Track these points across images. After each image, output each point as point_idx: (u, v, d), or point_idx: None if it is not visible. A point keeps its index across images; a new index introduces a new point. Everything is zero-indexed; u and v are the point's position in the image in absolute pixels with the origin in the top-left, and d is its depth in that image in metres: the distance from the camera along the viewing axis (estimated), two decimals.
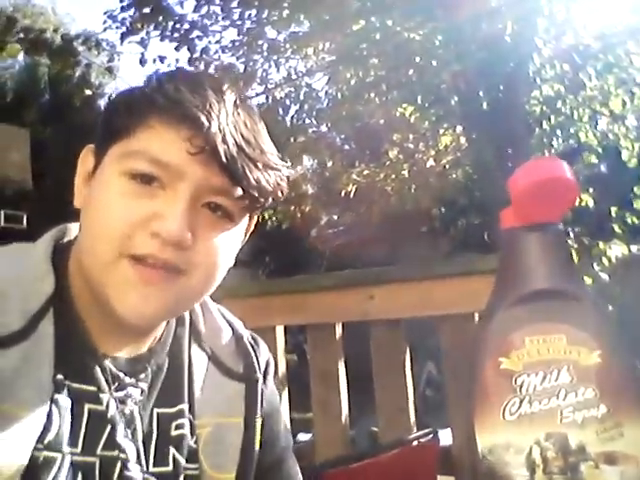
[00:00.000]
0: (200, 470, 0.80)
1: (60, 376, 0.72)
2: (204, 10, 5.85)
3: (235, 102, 0.77)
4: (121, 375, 0.77)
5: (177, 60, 5.89)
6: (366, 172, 6.92)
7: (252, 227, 0.88)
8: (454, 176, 6.76)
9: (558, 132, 5.72)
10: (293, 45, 6.30)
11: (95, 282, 0.73)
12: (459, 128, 6.14)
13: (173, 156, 0.72)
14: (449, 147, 6.59)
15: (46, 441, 0.69)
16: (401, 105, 6.26)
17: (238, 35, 6.04)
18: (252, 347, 0.88)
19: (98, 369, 0.75)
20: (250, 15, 5.79)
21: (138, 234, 0.71)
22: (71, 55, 6.31)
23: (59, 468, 0.69)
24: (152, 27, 5.85)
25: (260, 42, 6.15)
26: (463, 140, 6.11)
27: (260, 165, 0.76)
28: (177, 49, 5.80)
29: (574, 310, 0.52)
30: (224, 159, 0.72)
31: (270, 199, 0.79)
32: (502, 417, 0.50)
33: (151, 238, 0.71)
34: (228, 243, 0.78)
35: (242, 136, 0.75)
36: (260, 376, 0.86)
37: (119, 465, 0.74)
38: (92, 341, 0.77)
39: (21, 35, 6.44)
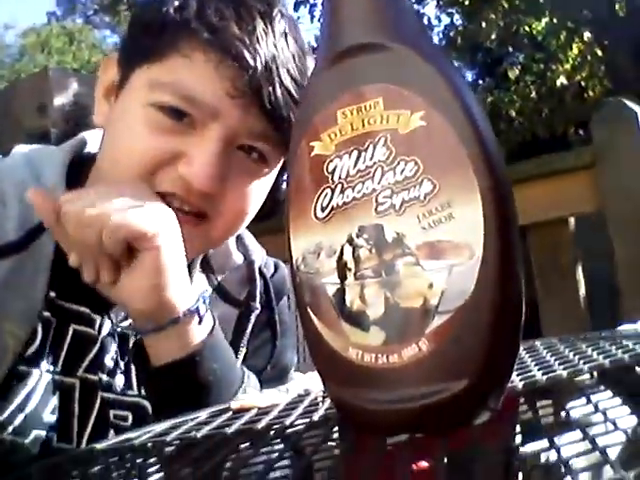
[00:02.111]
0: None
1: (52, 294, 0.70)
2: None
3: (285, 31, 0.68)
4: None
5: None
6: (489, 99, 6.08)
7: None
8: (591, 94, 5.63)
9: None
10: None
11: None
12: (587, 35, 5.15)
13: (209, 95, 0.65)
14: (580, 59, 5.52)
15: (27, 355, 0.68)
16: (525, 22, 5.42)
17: None
18: (262, 275, 0.82)
19: (94, 292, 0.71)
20: None
21: (162, 172, 0.67)
22: None
23: (35, 384, 0.68)
24: None
25: None
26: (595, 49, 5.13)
27: None
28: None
29: (391, 64, 0.38)
30: (267, 103, 0.65)
31: None
32: (313, 215, 0.39)
33: (177, 179, 0.66)
34: (259, 189, 0.72)
35: (289, 75, 0.67)
36: (258, 306, 0.80)
37: (100, 388, 0.72)
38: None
39: None
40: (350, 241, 0.38)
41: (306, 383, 0.59)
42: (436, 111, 0.36)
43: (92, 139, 0.79)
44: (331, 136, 0.39)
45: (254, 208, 0.74)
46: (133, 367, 0.75)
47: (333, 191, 0.39)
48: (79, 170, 0.74)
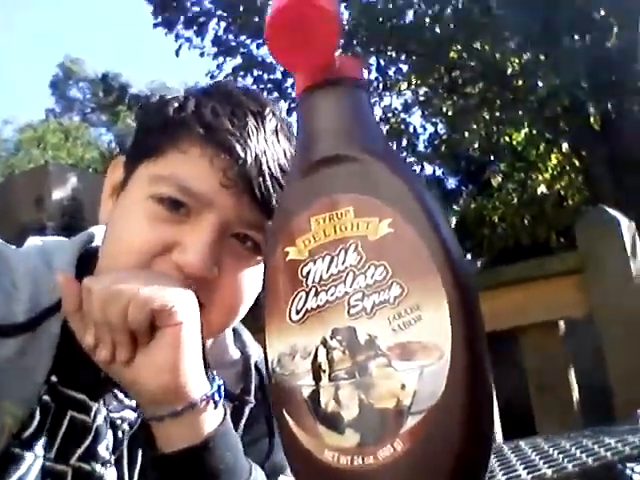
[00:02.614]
0: None
1: (54, 378, 0.70)
2: None
3: (276, 128, 0.72)
4: (120, 395, 0.74)
5: None
6: (472, 205, 6.30)
7: None
8: (570, 202, 5.88)
9: None
10: (387, 83, 6.17)
11: None
12: (565, 146, 5.44)
13: (203, 185, 0.68)
14: (559, 168, 5.80)
15: (23, 437, 0.67)
16: (505, 132, 5.73)
17: None
18: (258, 370, 0.82)
19: (93, 379, 0.72)
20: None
21: (158, 260, 0.69)
22: None
23: (28, 469, 0.67)
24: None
25: None
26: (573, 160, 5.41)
27: None
28: (270, 94, 5.99)
29: (361, 176, 0.41)
30: (258, 193, 0.68)
31: None
32: (288, 318, 0.41)
33: (173, 268, 0.68)
34: (255, 278, 0.73)
35: (279, 167, 0.70)
36: (252, 401, 0.80)
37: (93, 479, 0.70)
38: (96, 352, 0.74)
39: None
40: (324, 343, 0.39)
41: None
42: (403, 219, 0.39)
43: (99, 234, 0.81)
44: (305, 242, 0.41)
45: (249, 297, 0.74)
46: (125, 460, 0.73)
47: (307, 294, 0.40)
48: (87, 262, 0.75)
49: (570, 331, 1.93)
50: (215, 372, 0.81)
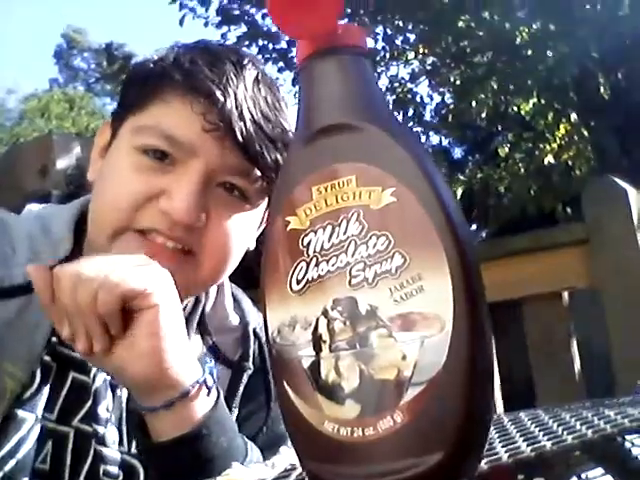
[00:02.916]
0: None
1: (55, 339, 0.71)
2: None
3: (257, 77, 0.73)
4: None
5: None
6: (479, 175, 6.23)
7: None
8: (578, 172, 5.80)
9: None
10: (394, 52, 6.08)
11: (101, 251, 0.71)
12: (574, 116, 5.35)
13: (185, 132, 0.69)
14: (567, 138, 5.72)
15: (23, 398, 0.68)
16: (513, 102, 5.65)
17: None
18: (257, 337, 0.82)
19: None
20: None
21: (145, 209, 0.69)
22: None
23: (29, 430, 0.68)
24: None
25: None
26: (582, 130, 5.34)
27: (280, 145, 0.71)
28: (280, 71, 5.91)
29: (363, 144, 0.40)
30: (240, 137, 0.68)
31: None
32: (289, 288, 0.40)
33: (160, 215, 0.68)
34: (243, 226, 0.74)
35: (261, 113, 0.70)
36: (251, 367, 0.80)
37: (94, 441, 0.71)
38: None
39: None
40: (325, 314, 0.39)
41: (292, 458, 0.58)
42: (406, 188, 0.38)
43: None
44: (306, 211, 0.40)
45: (239, 246, 0.74)
46: (124, 420, 0.73)
47: (308, 264, 0.40)
48: (85, 226, 0.76)
49: (574, 302, 1.93)
50: (215, 338, 0.81)
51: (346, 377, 0.37)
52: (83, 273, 0.60)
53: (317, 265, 0.39)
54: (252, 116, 0.69)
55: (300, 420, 0.39)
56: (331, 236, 0.39)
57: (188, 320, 0.80)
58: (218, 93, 0.68)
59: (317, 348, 0.39)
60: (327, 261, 0.39)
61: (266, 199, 0.75)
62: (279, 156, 0.70)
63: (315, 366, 0.38)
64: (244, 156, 0.69)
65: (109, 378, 0.73)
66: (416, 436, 0.36)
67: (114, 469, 0.72)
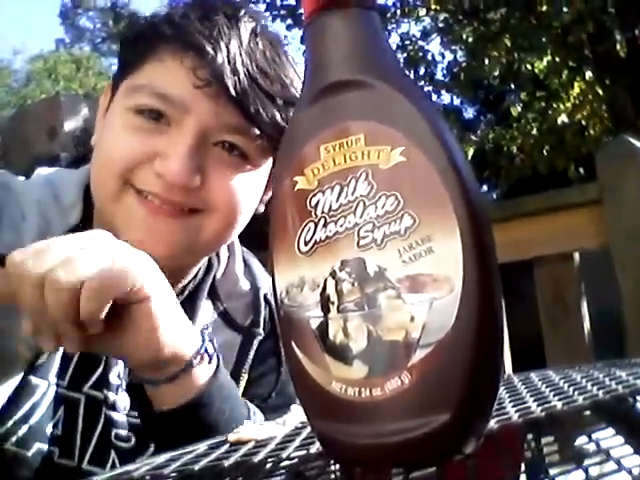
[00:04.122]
0: None
1: None
2: None
3: (254, 30, 0.70)
4: None
5: None
6: (491, 135, 6.13)
7: None
8: (592, 132, 5.68)
9: None
10: (405, 9, 5.93)
11: (104, 215, 0.72)
12: (589, 74, 5.22)
13: (177, 89, 0.67)
14: (581, 97, 5.58)
15: (36, 365, 0.69)
16: (527, 60, 5.51)
17: None
18: (267, 302, 0.82)
19: None
20: None
21: (141, 170, 0.68)
22: None
23: (42, 396, 0.69)
24: None
25: None
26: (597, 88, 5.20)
27: (279, 100, 0.68)
28: (288, 29, 5.77)
29: (373, 102, 0.39)
30: (233, 92, 0.66)
31: None
32: (297, 249, 0.40)
33: (156, 177, 0.67)
34: (247, 186, 0.72)
35: (257, 67, 0.68)
36: (261, 332, 0.80)
37: (105, 406, 0.72)
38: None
39: None
40: (333, 275, 0.38)
41: (303, 415, 0.58)
42: (416, 147, 0.37)
43: None
44: (314, 171, 0.40)
45: (244, 205, 0.73)
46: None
47: (316, 225, 0.39)
48: None
49: (585, 263, 1.92)
50: (225, 304, 0.81)
51: (354, 338, 0.37)
52: (52, 278, 0.53)
53: (325, 226, 0.39)
54: (247, 70, 0.67)
55: (308, 380, 0.39)
56: (339, 196, 0.39)
57: (200, 286, 0.81)
58: (208, 47, 0.66)
59: (325, 309, 0.38)
60: (335, 222, 0.38)
61: (270, 159, 0.74)
62: (278, 113, 0.68)
63: (323, 327, 0.38)
64: (240, 113, 0.67)
65: None
66: (424, 396, 0.36)
67: (126, 433, 0.73)
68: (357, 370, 0.37)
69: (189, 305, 0.78)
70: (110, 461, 0.72)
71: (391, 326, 0.36)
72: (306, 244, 0.39)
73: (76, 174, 0.78)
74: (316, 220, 0.39)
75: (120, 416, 0.73)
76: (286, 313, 0.40)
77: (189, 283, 0.80)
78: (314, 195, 0.39)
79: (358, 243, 0.38)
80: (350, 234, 0.38)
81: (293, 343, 0.40)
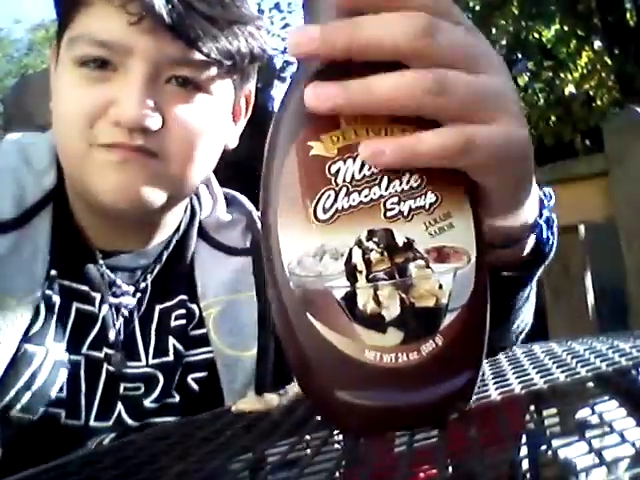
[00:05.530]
0: (216, 352, 0.76)
1: (54, 272, 0.71)
2: None
3: None
4: (118, 281, 0.75)
5: None
6: None
7: (250, 104, 0.80)
8: (599, 103, 5.61)
9: None
10: None
11: (74, 176, 0.71)
12: (597, 43, 5.14)
13: (114, 32, 0.65)
14: (589, 67, 5.49)
15: (31, 334, 0.69)
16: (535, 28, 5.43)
17: None
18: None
19: (92, 269, 0.74)
20: None
21: (99, 124, 0.66)
22: None
23: (41, 363, 0.69)
24: None
25: None
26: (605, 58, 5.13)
27: (221, 22, 0.66)
28: None
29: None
30: (168, 20, 0.63)
31: (247, 61, 0.70)
32: (314, 217, 0.38)
33: (114, 127, 0.65)
34: (208, 119, 0.70)
35: None
36: None
37: (105, 366, 0.73)
38: (89, 240, 0.75)
39: None
40: (359, 244, 0.38)
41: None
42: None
43: None
44: (333, 139, 0.38)
45: (212, 136, 0.71)
46: (139, 338, 0.75)
47: (337, 193, 0.38)
48: None
49: (590, 235, 1.92)
50: (217, 237, 0.82)
51: (386, 306, 0.37)
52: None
53: (347, 195, 0.38)
54: None
55: (330, 351, 0.38)
56: (362, 168, 0.38)
57: (187, 232, 0.81)
58: None
59: (352, 279, 0.38)
60: (359, 192, 0.38)
61: (229, 87, 0.72)
62: (220, 34, 0.66)
63: (351, 296, 0.38)
64: (186, 45, 0.65)
65: (116, 303, 0.74)
66: (454, 356, 0.38)
67: (135, 384, 0.74)
68: (391, 337, 0.38)
69: (183, 246, 0.79)
70: (115, 414, 0.73)
71: (422, 294, 0.38)
72: (325, 212, 0.38)
73: (46, 137, 0.77)
74: (337, 188, 0.38)
75: (126, 370, 0.74)
76: (297, 283, 0.39)
77: (174, 234, 0.80)
78: (334, 162, 0.38)
79: (385, 214, 0.38)
80: (375, 205, 0.38)
81: (308, 314, 0.39)
